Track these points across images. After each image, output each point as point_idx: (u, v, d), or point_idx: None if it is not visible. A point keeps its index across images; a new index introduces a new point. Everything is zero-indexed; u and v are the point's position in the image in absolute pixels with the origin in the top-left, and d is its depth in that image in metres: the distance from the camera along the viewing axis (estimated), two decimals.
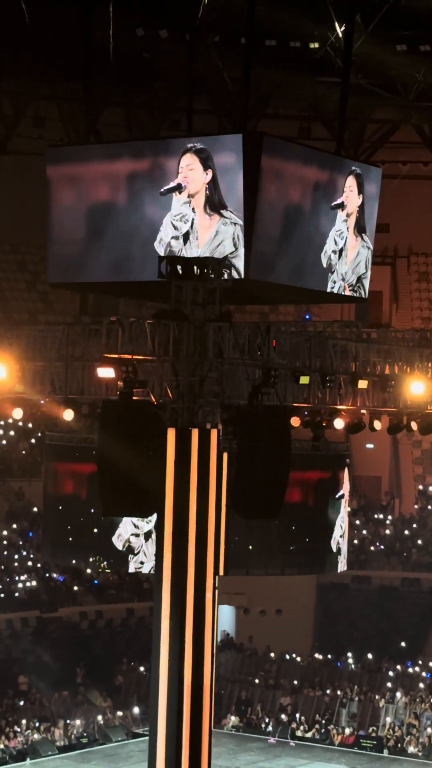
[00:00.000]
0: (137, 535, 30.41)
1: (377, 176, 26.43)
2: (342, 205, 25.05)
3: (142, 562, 30.28)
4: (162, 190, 23.69)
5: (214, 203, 23.29)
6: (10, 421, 45.56)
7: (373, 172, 26.29)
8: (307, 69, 43.98)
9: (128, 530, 30.48)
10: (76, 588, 43.01)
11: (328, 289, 25.16)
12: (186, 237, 23.63)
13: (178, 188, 23.55)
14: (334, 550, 31.03)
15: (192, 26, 37.45)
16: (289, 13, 37.85)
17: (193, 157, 23.47)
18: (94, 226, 24.85)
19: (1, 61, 46.18)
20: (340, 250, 25.25)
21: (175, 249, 23.66)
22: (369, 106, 46.48)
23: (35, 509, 44.53)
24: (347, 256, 25.46)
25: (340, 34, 36.81)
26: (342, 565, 31.78)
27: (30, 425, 44.80)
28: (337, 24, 37.57)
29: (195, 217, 23.55)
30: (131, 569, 30.70)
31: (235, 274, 23.08)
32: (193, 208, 23.61)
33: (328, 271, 25.08)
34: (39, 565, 43.12)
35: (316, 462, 30.82)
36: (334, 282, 25.27)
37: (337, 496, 31.17)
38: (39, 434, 42.15)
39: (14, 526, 45.01)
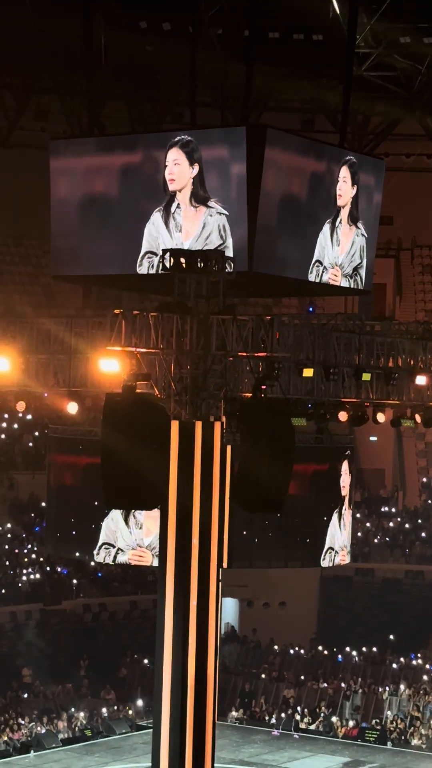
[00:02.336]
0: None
1: (380, 168, 26.42)
2: (337, 199, 25.05)
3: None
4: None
5: (200, 196, 23.37)
6: (13, 413, 46.00)
7: (375, 164, 26.29)
8: (310, 61, 43.96)
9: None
10: (79, 581, 43.05)
11: (323, 280, 25.16)
12: (169, 231, 23.75)
13: (165, 186, 23.67)
14: (332, 544, 31.08)
15: (195, 19, 37.39)
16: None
17: (179, 152, 23.56)
18: (90, 219, 24.91)
19: (3, 54, 46.15)
20: (334, 241, 25.22)
21: (160, 243, 23.76)
22: (372, 98, 46.40)
23: (39, 503, 44.56)
24: (342, 246, 25.43)
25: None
26: (345, 558, 31.81)
27: (32, 417, 44.94)
28: (340, 15, 37.51)
29: (180, 212, 23.62)
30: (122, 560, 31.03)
31: (227, 266, 23.10)
32: (178, 203, 23.68)
33: (323, 262, 25.06)
34: (42, 558, 43.14)
35: (317, 454, 30.88)
36: (327, 273, 25.26)
37: (337, 489, 31.21)
38: (45, 430, 42.12)
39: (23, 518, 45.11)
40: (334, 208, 24.98)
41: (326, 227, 24.94)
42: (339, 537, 31.83)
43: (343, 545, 32.10)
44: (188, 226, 23.56)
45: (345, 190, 25.19)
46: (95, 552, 31.32)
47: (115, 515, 30.86)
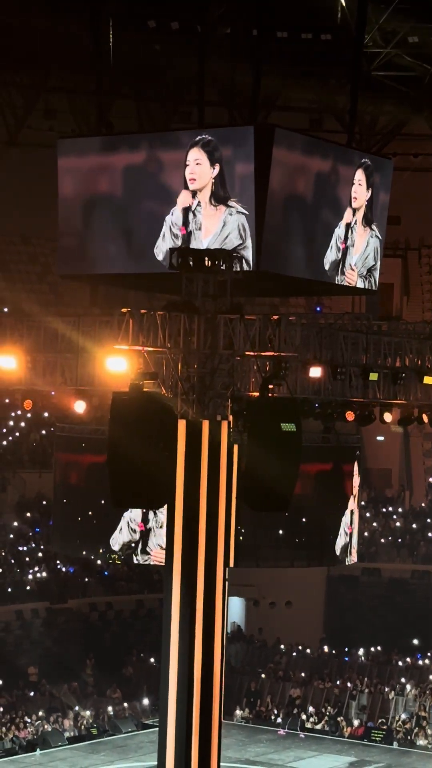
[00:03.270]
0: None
1: (388, 168, 26.43)
2: (356, 204, 25.11)
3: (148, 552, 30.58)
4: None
5: (220, 196, 23.38)
6: (20, 412, 46.06)
7: (383, 164, 26.29)
8: (318, 61, 43.96)
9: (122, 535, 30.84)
10: (86, 579, 43.10)
11: (337, 281, 25.19)
12: (190, 231, 23.74)
13: (185, 185, 23.65)
14: (341, 543, 31.10)
15: (203, 18, 37.42)
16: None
17: (200, 152, 23.54)
18: (95, 218, 24.95)
19: (12, 53, 46.22)
20: (349, 243, 25.28)
21: (180, 242, 23.74)
22: (380, 98, 46.41)
23: (46, 501, 44.60)
24: (356, 247, 25.48)
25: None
26: (350, 559, 31.82)
27: (39, 415, 44.99)
28: (348, 14, 37.53)
29: (201, 210, 23.62)
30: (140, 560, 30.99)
31: (245, 266, 23.12)
32: (198, 202, 23.68)
33: (337, 263, 25.10)
34: (48, 557, 43.17)
35: (322, 454, 30.88)
36: (343, 274, 25.30)
37: (343, 489, 31.20)
38: (52, 428, 42.15)
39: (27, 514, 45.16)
40: (344, 208, 24.98)
41: (341, 228, 24.95)
42: (346, 537, 31.84)
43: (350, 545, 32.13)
44: (208, 224, 23.56)
45: (360, 192, 25.22)
46: (117, 549, 31.27)
47: (135, 514, 30.87)
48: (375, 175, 25.59)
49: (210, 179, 23.51)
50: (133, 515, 30.82)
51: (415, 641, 42.88)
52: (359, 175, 25.15)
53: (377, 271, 26.25)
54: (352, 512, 31.96)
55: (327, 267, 24.95)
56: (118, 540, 31.16)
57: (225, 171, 23.33)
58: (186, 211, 23.80)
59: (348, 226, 25.15)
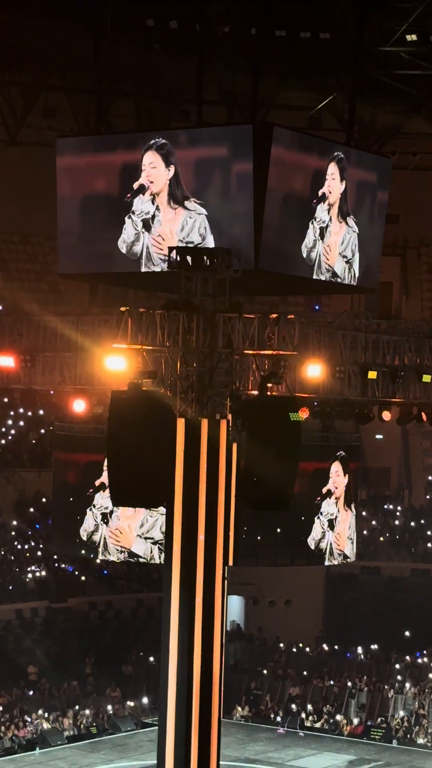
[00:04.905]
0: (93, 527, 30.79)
1: (386, 166, 26.41)
2: (324, 197, 25.00)
3: (108, 551, 30.72)
4: (127, 196, 23.94)
5: (177, 197, 23.47)
6: (22, 411, 46.05)
7: (381, 162, 26.29)
8: (317, 60, 43.97)
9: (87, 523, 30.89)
10: (85, 578, 43.11)
11: (314, 277, 25.16)
12: (147, 232, 23.89)
13: (141, 190, 23.77)
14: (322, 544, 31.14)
15: (202, 17, 37.42)
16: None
17: (155, 155, 23.70)
18: (94, 217, 24.98)
19: (11, 52, 46.23)
20: (323, 238, 25.19)
21: (136, 245, 23.93)
22: (379, 97, 46.41)
23: (45, 500, 44.60)
24: (332, 243, 25.39)
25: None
26: (350, 557, 31.83)
27: (38, 414, 45.01)
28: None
29: (158, 213, 23.74)
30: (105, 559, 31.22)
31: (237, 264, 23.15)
32: (157, 206, 23.80)
33: (311, 259, 25.04)
34: (48, 556, 43.18)
35: (320, 452, 30.92)
36: (321, 271, 25.25)
37: (324, 490, 31.15)
38: (51, 427, 42.16)
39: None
40: (322, 207, 24.96)
41: (315, 225, 24.91)
42: (332, 536, 31.90)
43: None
44: (167, 227, 23.72)
45: (334, 186, 25.15)
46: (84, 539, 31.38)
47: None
48: (362, 170, 25.52)
49: (166, 180, 23.65)
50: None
51: (414, 639, 42.87)
52: (332, 169, 25.06)
53: (357, 264, 26.13)
54: (349, 512, 31.96)
55: (308, 262, 24.95)
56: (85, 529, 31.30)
57: (213, 170, 23.40)
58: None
59: (322, 222, 25.09)
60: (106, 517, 30.99)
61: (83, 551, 32.75)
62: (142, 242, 24.05)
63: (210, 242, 23.23)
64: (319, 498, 31.44)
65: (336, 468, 31.70)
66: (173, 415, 22.55)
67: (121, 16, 38.72)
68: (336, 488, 31.76)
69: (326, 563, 31.85)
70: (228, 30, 40.70)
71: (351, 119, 29.39)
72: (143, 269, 24.48)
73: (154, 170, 23.65)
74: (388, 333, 28.25)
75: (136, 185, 23.85)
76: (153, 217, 23.84)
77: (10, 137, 50.21)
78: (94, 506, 31.29)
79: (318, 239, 24.89)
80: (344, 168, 25.21)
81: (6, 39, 44.93)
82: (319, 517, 31.27)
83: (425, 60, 44.00)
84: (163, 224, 23.91)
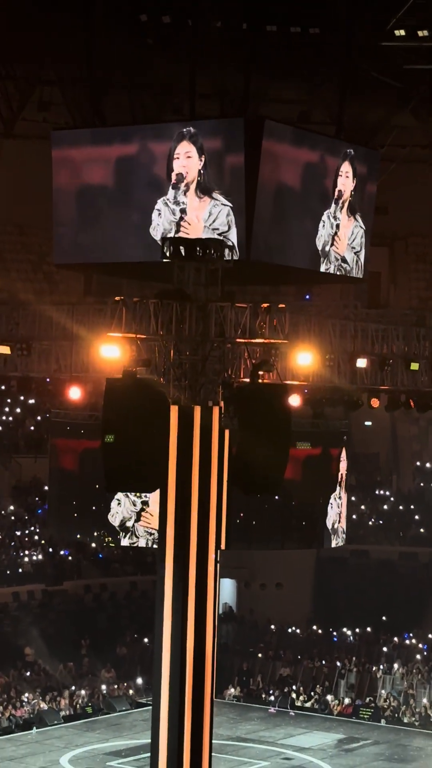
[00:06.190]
0: (132, 513, 30.65)
1: (375, 159, 26.43)
2: (338, 192, 25.07)
3: (136, 536, 30.54)
4: (172, 183, 23.70)
5: (205, 187, 23.41)
6: (22, 398, 46.02)
7: (371, 155, 26.28)
8: (308, 55, 43.88)
9: (121, 509, 30.71)
10: (80, 562, 43.15)
11: (323, 269, 25.19)
12: (180, 220, 23.76)
13: (180, 179, 23.65)
14: (329, 526, 31.14)
15: (194, 12, 37.35)
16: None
17: (189, 145, 23.55)
18: (89, 208, 24.95)
19: (5, 45, 46.11)
20: (335, 233, 25.27)
21: (170, 231, 23.77)
22: (369, 90, 46.34)
23: (41, 486, 44.59)
24: (342, 237, 25.47)
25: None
26: (338, 541, 31.86)
27: (34, 401, 45.00)
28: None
29: (187, 200, 23.66)
30: (125, 544, 30.98)
31: (229, 254, 23.13)
32: (185, 193, 23.72)
33: (323, 252, 25.10)
34: (44, 540, 43.24)
35: (311, 438, 30.88)
36: (330, 262, 25.30)
37: (331, 473, 31.17)
38: (47, 414, 42.15)
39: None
40: (332, 199, 24.97)
41: (326, 218, 24.94)
42: (337, 520, 31.90)
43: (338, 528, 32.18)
44: (195, 215, 23.57)
45: (347, 184, 25.21)
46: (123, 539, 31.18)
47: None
48: (362, 165, 25.58)
49: (198, 170, 23.56)
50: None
51: (402, 621, 42.97)
52: (346, 167, 25.13)
53: (362, 258, 26.25)
54: (339, 496, 31.99)
55: (312, 256, 24.96)
56: (117, 514, 31.11)
57: (213, 162, 23.34)
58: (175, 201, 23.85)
59: (334, 216, 25.16)
60: (146, 504, 30.89)
61: (96, 532, 32.46)
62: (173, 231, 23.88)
63: (233, 233, 23.10)
64: (327, 482, 31.47)
65: (343, 453, 31.79)
66: (167, 402, 22.57)
67: (114, 10, 38.64)
68: (342, 473, 31.86)
69: (333, 544, 31.87)
70: (220, 25, 40.61)
71: (341, 113, 29.35)
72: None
73: (189, 160, 23.51)
74: (377, 322, 28.32)
75: (174, 175, 23.67)
76: (185, 208, 23.75)
77: (6, 130, 50.08)
78: (128, 494, 31.04)
79: (331, 233, 24.93)
80: (356, 166, 25.24)
81: (2, 34, 44.85)
82: (334, 501, 31.35)
83: (413, 55, 43.96)
84: (189, 212, 23.77)
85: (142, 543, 30.88)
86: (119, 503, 30.97)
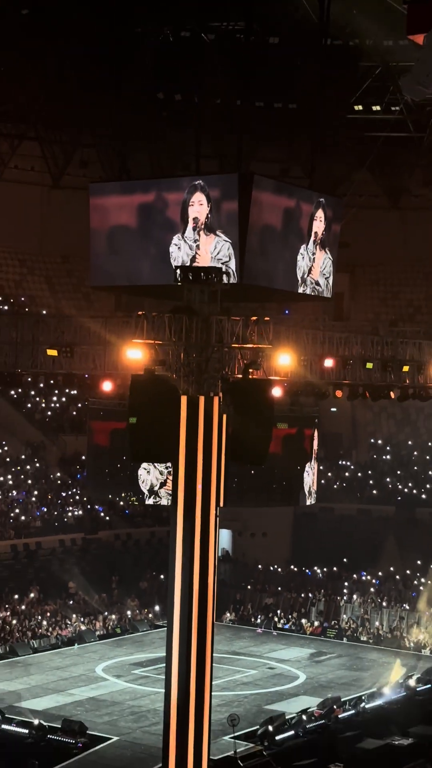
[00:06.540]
0: (158, 481, 30.64)
1: (339, 205, 26.38)
2: (314, 233, 25.03)
3: (159, 497, 30.48)
4: (191, 225, 23.56)
5: (210, 226, 23.38)
6: (68, 390, 45.90)
7: (336, 202, 26.23)
8: (287, 124, 43.83)
9: (150, 478, 30.65)
10: (111, 516, 43.13)
11: (300, 291, 25.15)
12: (195, 253, 23.74)
13: (195, 221, 23.61)
14: (304, 489, 31.12)
15: (199, 92, 37.33)
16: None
17: (201, 194, 23.52)
18: (117, 243, 24.90)
19: (54, 118, 46.11)
20: (312, 263, 25.23)
21: (187, 261, 23.74)
22: (334, 153, 46.30)
23: (81, 458, 44.57)
24: (316, 265, 25.45)
25: None
26: (310, 500, 31.86)
27: (76, 392, 44.94)
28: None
29: (199, 238, 23.62)
30: (150, 502, 30.93)
31: (226, 278, 23.08)
32: (198, 232, 23.67)
33: (302, 278, 25.06)
34: (81, 498, 43.23)
35: (290, 421, 30.85)
36: (306, 285, 25.26)
37: (305, 448, 31.13)
38: (86, 402, 42.09)
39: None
40: (305, 235, 24.90)
41: (304, 252, 24.87)
42: (312, 484, 31.87)
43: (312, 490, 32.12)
44: (205, 248, 23.59)
45: (320, 226, 25.17)
46: (149, 499, 31.03)
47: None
48: (329, 210, 25.53)
49: (206, 214, 23.53)
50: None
51: (360, 562, 42.96)
52: (320, 213, 25.06)
53: (330, 281, 26.22)
54: (312, 465, 31.97)
55: (297, 280, 24.90)
56: (147, 481, 31.01)
57: (214, 208, 23.31)
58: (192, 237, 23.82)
59: (311, 250, 25.11)
60: (170, 473, 30.83)
61: (123, 493, 32.19)
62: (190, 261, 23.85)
63: (232, 263, 23.07)
64: (304, 455, 31.39)
65: (315, 433, 31.73)
66: (178, 393, 22.56)
67: (137, 90, 38.62)
68: (314, 448, 31.82)
69: (307, 503, 31.78)
70: (219, 102, 40.60)
71: (313, 169, 29.25)
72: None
73: (201, 206, 23.48)
74: (340, 331, 28.26)
75: (192, 219, 23.60)
76: (198, 243, 23.72)
77: (54, 183, 50.10)
78: (156, 465, 30.87)
79: (309, 264, 24.90)
80: (326, 211, 25.17)
81: (50, 108, 44.85)
82: (307, 470, 31.27)
83: (369, 125, 43.92)
84: (201, 247, 23.75)
85: (164, 502, 30.83)
86: (148, 472, 30.90)
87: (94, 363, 25.08)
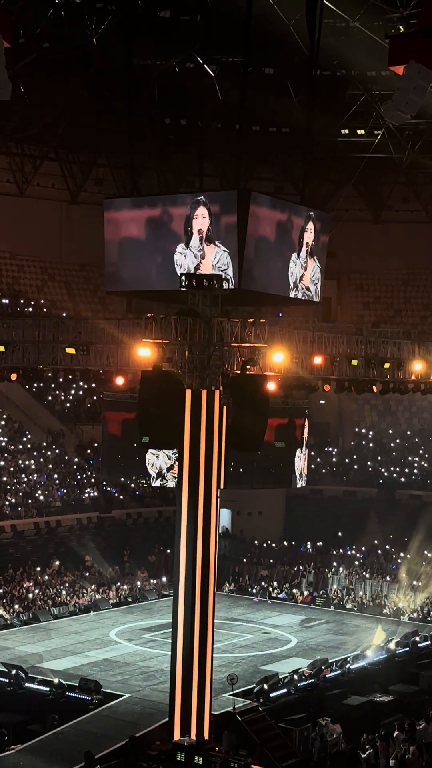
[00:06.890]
0: (166, 465, 30.59)
1: (328, 219, 26.34)
2: (305, 243, 24.98)
3: (166, 479, 30.45)
4: (195, 237, 23.50)
5: (211, 238, 23.38)
6: (83, 384, 45.87)
7: (324, 216, 26.20)
8: (281, 146, 43.78)
9: (158, 462, 30.60)
10: (123, 497, 43.16)
11: (292, 296, 25.11)
12: (199, 262, 23.70)
13: (201, 233, 23.59)
14: (296, 473, 31.07)
15: (202, 117, 37.28)
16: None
17: (204, 209, 23.50)
18: (128, 253, 24.87)
19: (73, 140, 46.07)
20: (303, 270, 25.19)
21: (191, 269, 23.70)
22: (323, 172, 46.25)
23: (95, 444, 44.61)
24: (307, 272, 25.41)
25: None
26: (302, 483, 31.83)
27: (93, 386, 44.90)
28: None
29: (203, 248, 23.59)
30: (157, 484, 30.91)
31: (226, 284, 23.03)
32: (200, 241, 23.65)
33: (294, 284, 25.01)
34: (96, 481, 43.23)
35: (281, 412, 30.78)
36: (297, 290, 25.22)
37: (296, 436, 31.04)
38: (101, 395, 42.09)
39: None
40: (297, 246, 24.86)
41: (296, 260, 24.82)
42: (303, 468, 31.81)
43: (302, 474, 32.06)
44: (207, 257, 23.58)
45: (310, 237, 25.14)
46: (156, 481, 30.98)
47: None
48: (318, 223, 25.47)
49: (207, 227, 23.50)
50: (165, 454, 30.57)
51: (345, 538, 42.96)
52: (310, 226, 25.02)
53: (319, 287, 26.18)
54: (302, 451, 31.92)
55: (289, 286, 24.85)
56: (155, 465, 30.98)
57: (215, 221, 23.27)
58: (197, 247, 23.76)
59: (302, 258, 25.06)
60: (177, 459, 30.73)
61: (134, 477, 32.10)
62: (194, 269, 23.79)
63: (231, 270, 23.04)
64: (295, 443, 31.30)
65: (305, 422, 31.66)
66: (183, 387, 22.59)
67: (146, 116, 38.59)
68: (304, 436, 31.75)
69: (298, 485, 31.71)
70: (220, 126, 40.58)
71: (303, 187, 29.22)
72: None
73: (204, 219, 23.45)
74: (328, 332, 28.25)
75: (197, 231, 23.54)
76: (201, 252, 23.68)
77: (72, 199, 50.08)
78: (164, 451, 30.81)
79: (301, 272, 24.86)
80: (315, 224, 25.11)
81: (69, 132, 44.81)
82: (298, 455, 31.20)
83: (354, 147, 43.87)
84: (205, 256, 23.72)
85: (170, 484, 30.80)
86: (157, 457, 30.88)
87: (108, 360, 25.11)
